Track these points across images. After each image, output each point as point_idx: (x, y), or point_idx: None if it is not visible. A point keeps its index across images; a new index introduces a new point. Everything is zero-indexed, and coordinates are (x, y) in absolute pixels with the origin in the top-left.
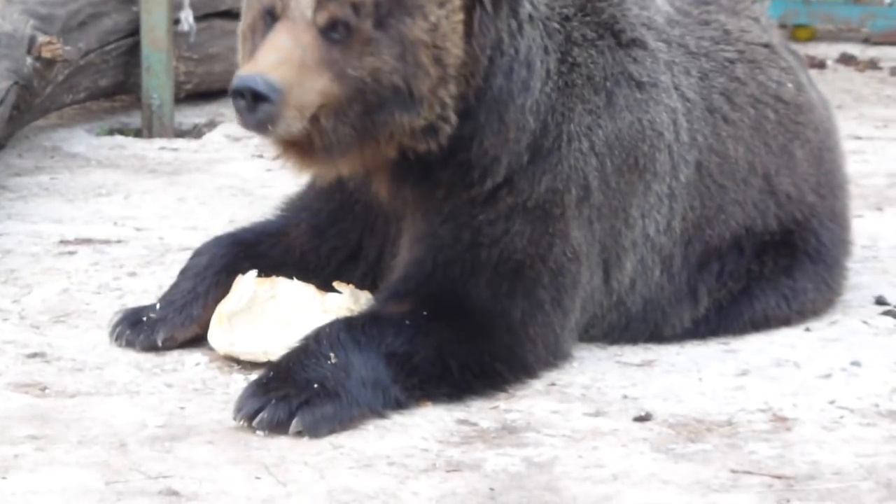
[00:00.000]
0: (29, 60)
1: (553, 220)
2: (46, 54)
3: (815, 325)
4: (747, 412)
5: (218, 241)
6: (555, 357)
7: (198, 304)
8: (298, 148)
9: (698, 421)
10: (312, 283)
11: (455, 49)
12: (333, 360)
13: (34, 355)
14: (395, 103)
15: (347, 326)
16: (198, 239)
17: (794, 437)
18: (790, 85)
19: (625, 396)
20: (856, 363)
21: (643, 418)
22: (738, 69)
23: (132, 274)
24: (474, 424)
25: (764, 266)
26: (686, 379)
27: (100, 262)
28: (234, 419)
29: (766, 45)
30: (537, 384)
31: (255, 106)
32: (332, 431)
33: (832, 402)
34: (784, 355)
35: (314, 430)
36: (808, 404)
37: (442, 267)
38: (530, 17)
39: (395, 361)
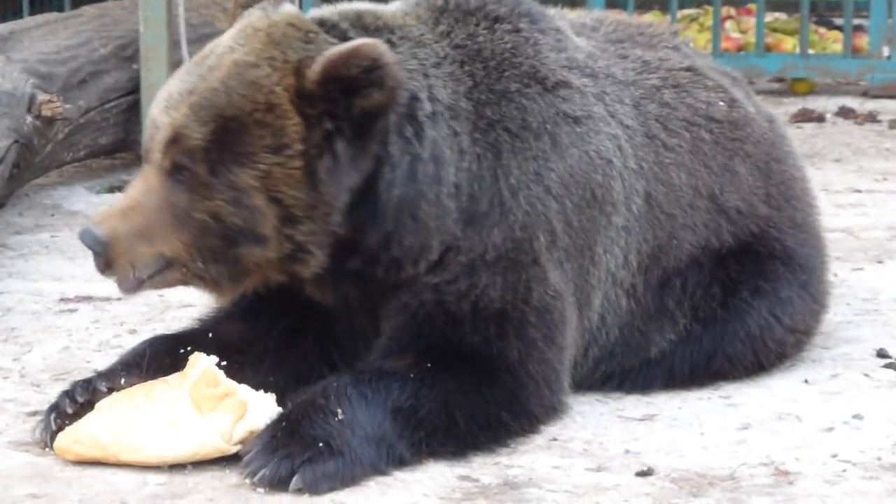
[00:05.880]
0: (29, 119)
1: (524, 267)
2: (47, 112)
3: (815, 377)
4: (749, 466)
5: (155, 338)
6: (557, 395)
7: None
8: (185, 283)
9: (700, 475)
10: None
11: (294, 194)
12: (340, 417)
13: (35, 413)
14: (244, 241)
15: (355, 381)
16: (197, 296)
17: (796, 491)
18: (721, 103)
19: (627, 451)
20: (858, 416)
21: (645, 473)
22: (666, 95)
23: (133, 331)
24: (476, 480)
25: (728, 270)
26: (688, 433)
27: (100, 319)
28: (241, 475)
29: (688, 69)
30: (539, 439)
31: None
32: (332, 489)
33: (834, 456)
34: (785, 409)
35: (314, 488)
36: (810, 458)
37: (425, 323)
38: (433, 113)
39: (401, 416)
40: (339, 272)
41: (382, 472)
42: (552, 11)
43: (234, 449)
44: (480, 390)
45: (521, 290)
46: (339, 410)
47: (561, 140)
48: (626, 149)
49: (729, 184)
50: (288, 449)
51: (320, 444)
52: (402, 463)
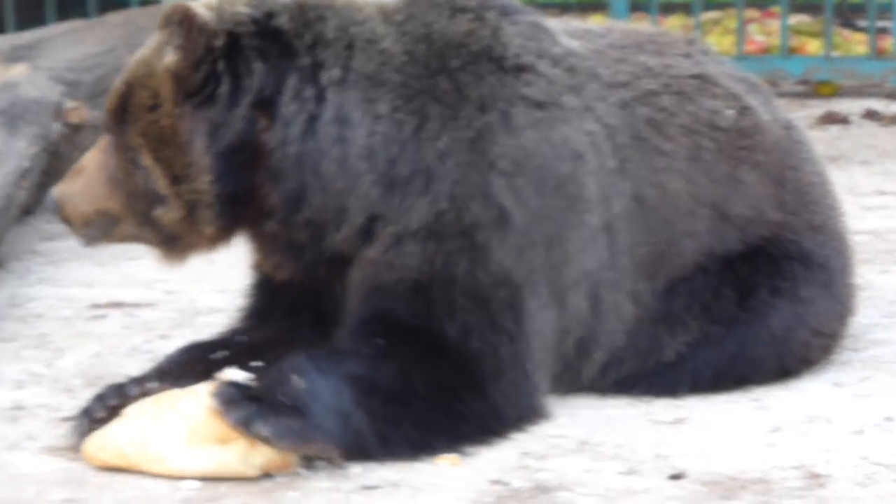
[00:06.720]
0: (56, 126)
1: (446, 238)
2: (74, 120)
3: (845, 380)
4: (781, 469)
5: (189, 345)
6: (521, 386)
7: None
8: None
9: (732, 478)
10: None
11: (169, 153)
12: (303, 386)
13: (68, 419)
14: (152, 202)
15: (309, 357)
16: (227, 301)
17: (828, 494)
18: (730, 112)
19: (657, 455)
20: (889, 419)
21: (677, 476)
22: (665, 100)
23: (163, 337)
24: (507, 484)
25: (738, 271)
26: (718, 436)
27: (131, 325)
28: (212, 396)
29: (696, 77)
30: (568, 443)
31: None
32: (294, 446)
33: (865, 458)
34: (816, 411)
35: (278, 439)
36: (841, 460)
37: (371, 300)
38: (341, 80)
39: (358, 385)
40: (263, 238)
41: (341, 446)
42: (540, 15)
43: (252, 473)
44: (432, 360)
45: (437, 264)
46: (301, 381)
47: (515, 120)
48: (603, 148)
49: (734, 193)
50: (260, 400)
51: (287, 405)
52: (359, 436)
